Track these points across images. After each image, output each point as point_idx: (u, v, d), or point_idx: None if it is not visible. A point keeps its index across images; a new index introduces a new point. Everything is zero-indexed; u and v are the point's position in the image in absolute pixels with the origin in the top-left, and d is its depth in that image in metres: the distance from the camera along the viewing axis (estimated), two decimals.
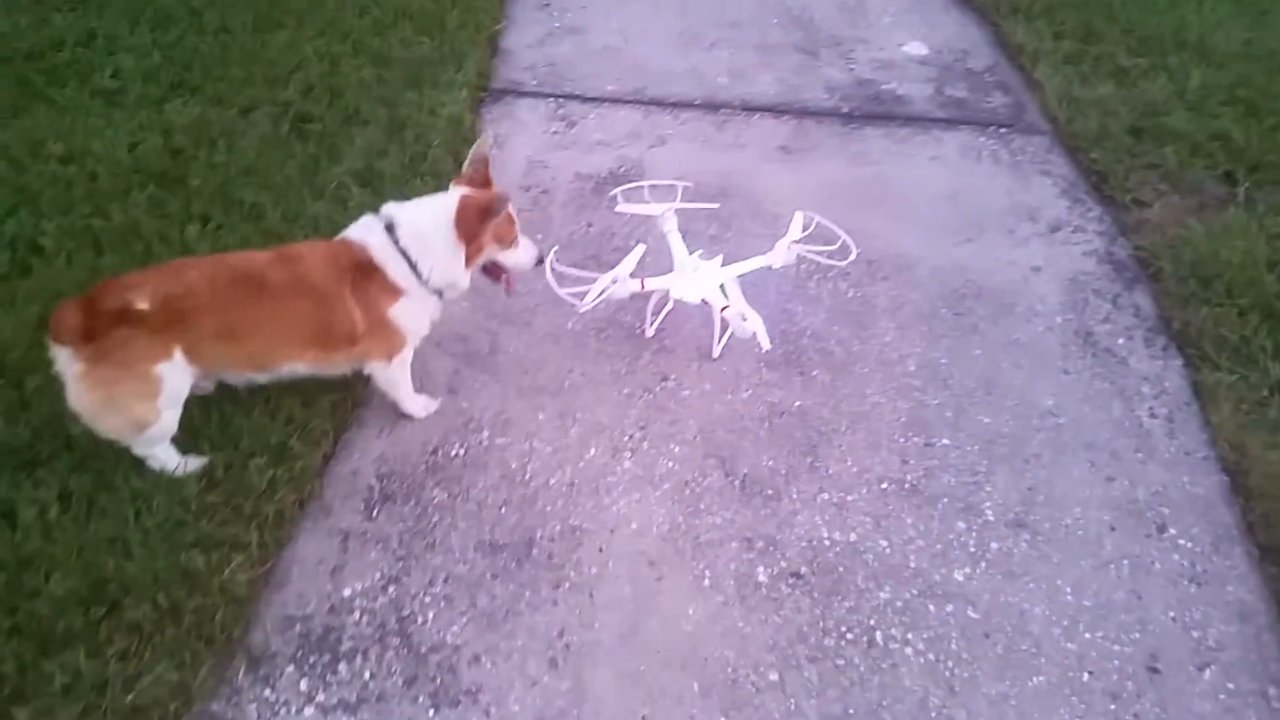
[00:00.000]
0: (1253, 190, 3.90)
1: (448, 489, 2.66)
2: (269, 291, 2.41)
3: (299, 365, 2.59)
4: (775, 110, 4.40)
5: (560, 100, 4.39)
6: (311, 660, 2.25)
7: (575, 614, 2.38)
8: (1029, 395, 3.05)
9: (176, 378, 2.36)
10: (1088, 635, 2.42)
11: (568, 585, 2.44)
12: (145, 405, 2.35)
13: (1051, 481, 2.79)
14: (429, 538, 2.54)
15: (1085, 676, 2.32)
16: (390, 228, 2.53)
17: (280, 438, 2.68)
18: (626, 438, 2.84)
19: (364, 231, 2.55)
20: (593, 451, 2.79)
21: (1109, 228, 3.78)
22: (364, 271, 2.50)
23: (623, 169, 3.95)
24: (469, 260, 2.60)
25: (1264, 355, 3.13)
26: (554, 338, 3.16)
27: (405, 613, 2.36)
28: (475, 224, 2.55)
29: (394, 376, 2.74)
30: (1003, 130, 4.32)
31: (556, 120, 4.25)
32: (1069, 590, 2.52)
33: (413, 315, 2.63)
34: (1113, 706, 2.26)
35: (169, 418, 2.43)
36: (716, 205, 3.66)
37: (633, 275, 2.96)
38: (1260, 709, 2.29)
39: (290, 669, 2.24)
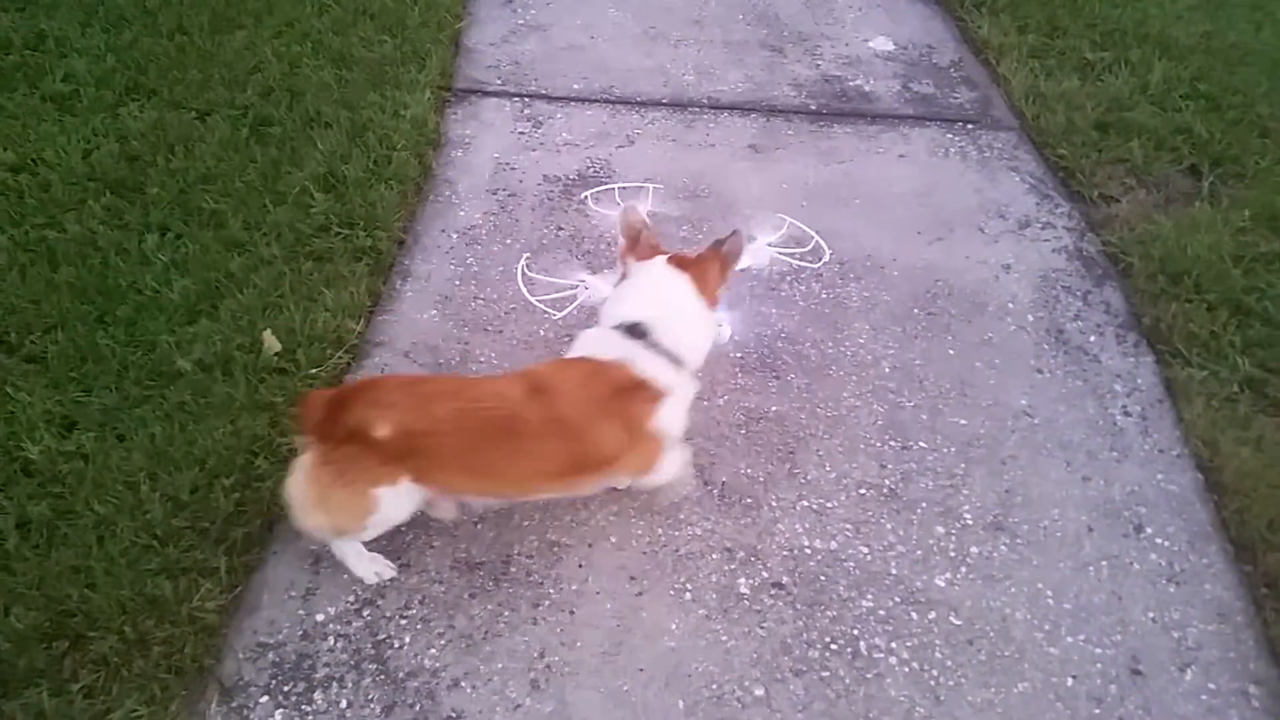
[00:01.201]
0: (1217, 184, 3.93)
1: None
2: (522, 435, 2.19)
3: (542, 496, 2.51)
4: (743, 108, 4.36)
5: (526, 100, 4.33)
6: (286, 689, 2.20)
7: (556, 633, 2.34)
8: (1003, 395, 3.05)
9: (398, 502, 2.21)
10: (1070, 639, 2.42)
11: (548, 603, 2.40)
12: (354, 519, 2.21)
13: (1028, 483, 2.79)
14: (403, 558, 2.48)
15: (1069, 681, 2.33)
16: (635, 331, 2.30)
17: (246, 457, 2.61)
18: None
19: (613, 348, 2.29)
20: None
21: (1078, 223, 3.79)
22: (625, 392, 2.26)
23: (591, 170, 3.90)
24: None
25: (1233, 350, 3.15)
26: (527, 345, 3.11)
27: (381, 637, 2.31)
28: (719, 283, 2.42)
29: (657, 479, 2.53)
30: (970, 126, 4.32)
31: (523, 120, 4.19)
32: (1050, 593, 2.52)
33: (677, 412, 2.39)
34: (1097, 711, 2.27)
35: (372, 533, 2.29)
36: (687, 209, 3.63)
37: (605, 281, 2.92)
38: (1242, 708, 2.30)
39: (264, 699, 2.18)
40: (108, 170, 3.55)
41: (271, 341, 2.92)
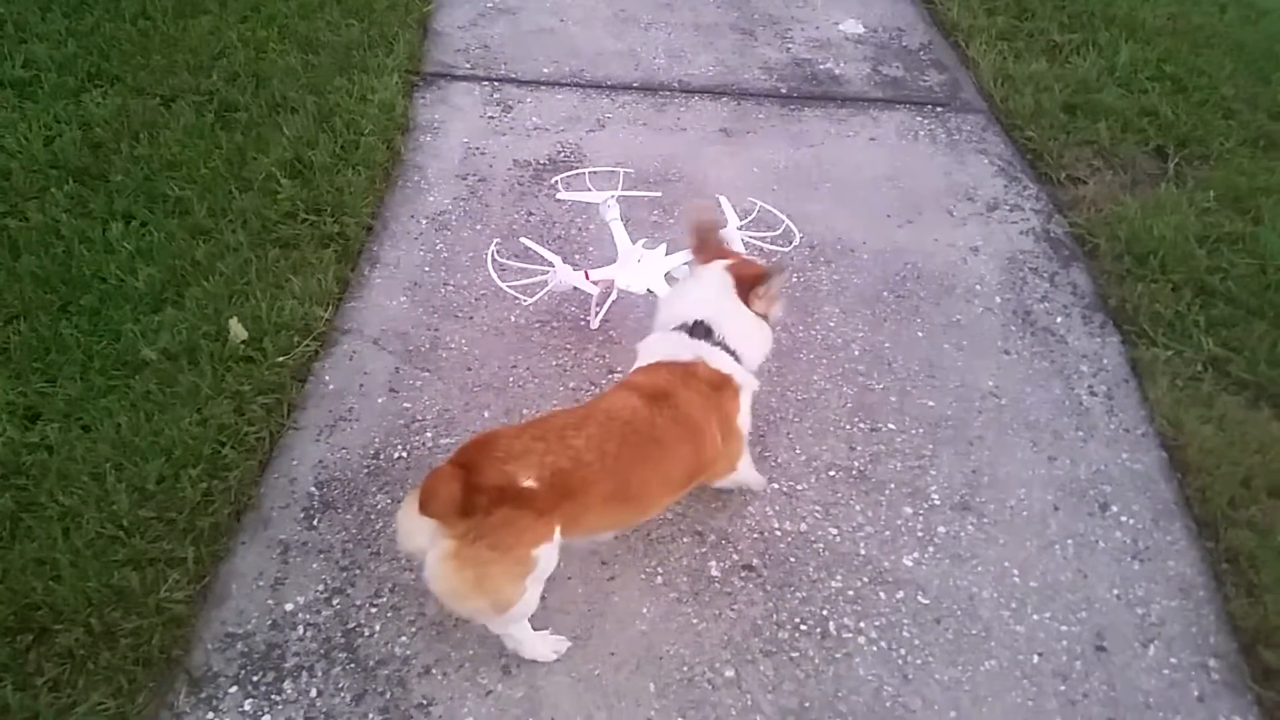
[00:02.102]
0: (1182, 165, 3.97)
1: (391, 493, 2.60)
2: (658, 443, 2.15)
3: (661, 509, 2.43)
4: (714, 91, 4.35)
5: (495, 84, 4.30)
6: (255, 679, 2.19)
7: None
8: (970, 377, 3.08)
9: (551, 556, 2.06)
10: (1036, 617, 2.45)
11: None
12: (513, 587, 2.02)
13: (995, 463, 2.82)
14: (373, 546, 2.47)
15: (1035, 658, 2.35)
16: (698, 330, 2.30)
17: (213, 447, 2.59)
18: None
19: (684, 348, 2.28)
20: None
21: (1045, 206, 3.81)
22: (717, 389, 2.28)
23: (562, 155, 3.89)
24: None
25: (1197, 330, 3.19)
26: (497, 332, 3.10)
27: (351, 625, 2.30)
28: (768, 297, 2.37)
29: (740, 475, 2.53)
30: (939, 109, 4.33)
31: (492, 105, 4.16)
32: (1016, 572, 2.54)
33: (748, 407, 2.39)
34: (1062, 687, 2.30)
35: (532, 596, 2.10)
36: (658, 194, 3.63)
37: (575, 267, 2.92)
38: (1202, 681, 2.34)
39: (234, 690, 2.17)
40: (70, 157, 3.50)
41: (238, 330, 2.90)
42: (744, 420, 2.37)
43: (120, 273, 3.08)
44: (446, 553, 1.93)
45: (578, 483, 2.00)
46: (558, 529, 2.02)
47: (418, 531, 1.97)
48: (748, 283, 2.33)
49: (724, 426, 2.30)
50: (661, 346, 2.33)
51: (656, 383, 2.23)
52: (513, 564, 1.98)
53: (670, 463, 2.21)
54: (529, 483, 1.93)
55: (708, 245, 2.45)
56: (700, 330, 2.30)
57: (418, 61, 4.39)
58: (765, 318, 2.39)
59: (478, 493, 1.91)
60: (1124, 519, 2.70)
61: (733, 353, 2.30)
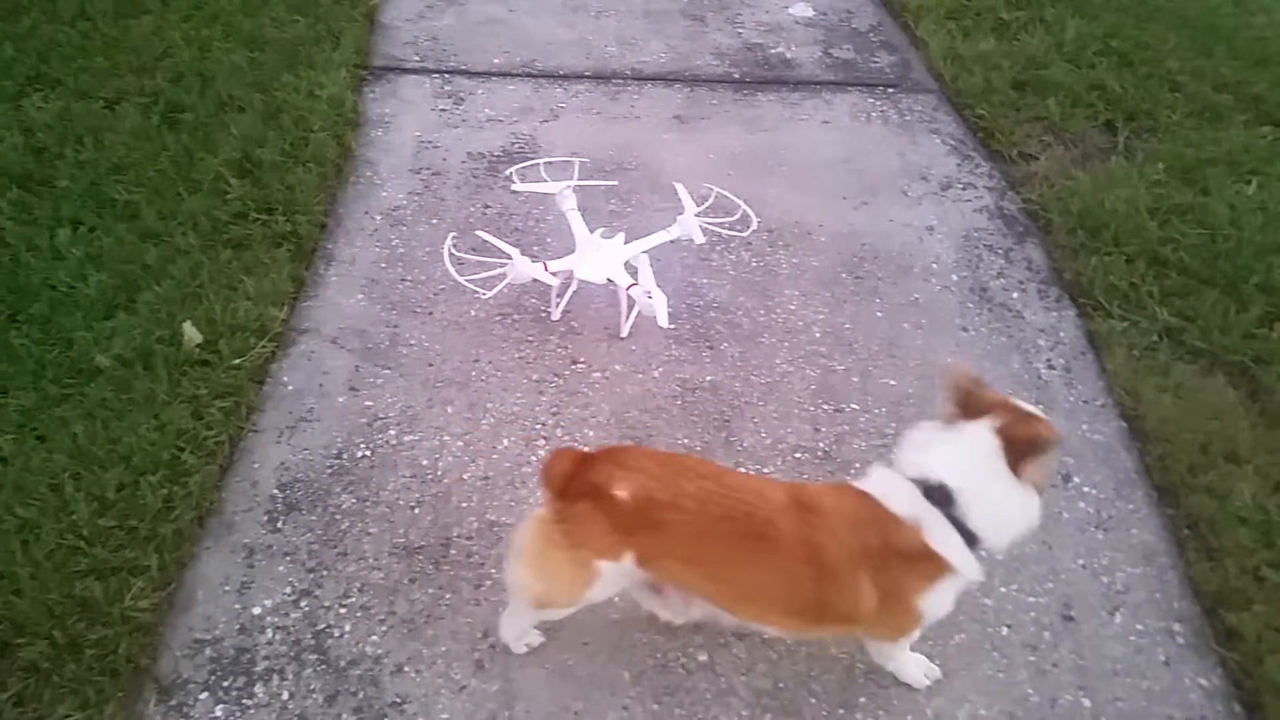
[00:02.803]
0: (1131, 139, 4.02)
1: (356, 493, 2.57)
2: (767, 545, 1.91)
3: (767, 627, 2.15)
4: (666, 79, 4.35)
5: (446, 76, 4.26)
6: (225, 684, 2.16)
7: (499, 613, 2.31)
8: (930, 355, 3.10)
9: (614, 580, 1.99)
10: (1003, 589, 2.48)
11: (490, 583, 2.39)
12: (563, 591, 2.00)
13: None
14: (340, 546, 2.45)
15: (1004, 630, 2.38)
16: (936, 494, 1.90)
17: (172, 453, 2.55)
18: (539, 425, 2.79)
19: (906, 503, 1.91)
20: (506, 442, 2.73)
21: (998, 183, 3.85)
22: (903, 557, 1.91)
23: (516, 146, 3.86)
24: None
25: (1152, 301, 3.24)
26: (458, 326, 3.08)
27: (320, 627, 2.28)
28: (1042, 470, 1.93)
29: (890, 651, 2.21)
30: (890, 90, 4.36)
31: (444, 97, 4.12)
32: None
33: (949, 596, 2.02)
34: (1032, 658, 2.33)
35: (572, 610, 2.08)
36: (615, 183, 3.62)
37: (534, 259, 2.90)
38: (1168, 645, 2.38)
39: (204, 695, 2.14)
40: (13, 164, 3.42)
41: (192, 333, 2.85)
42: (936, 607, 2.00)
43: (70, 280, 3.01)
44: (534, 518, 1.98)
45: (663, 521, 1.89)
46: (630, 555, 1.93)
47: None
48: (1021, 448, 1.87)
49: (889, 597, 1.95)
50: (885, 486, 1.96)
51: (820, 499, 1.97)
52: (573, 563, 1.94)
53: (774, 573, 1.95)
54: (620, 493, 1.87)
55: (970, 404, 1.96)
56: (939, 495, 1.90)
57: (366, 55, 4.33)
58: (1037, 488, 1.93)
59: (578, 479, 1.91)
60: (1086, 489, 2.74)
61: (969, 532, 1.90)
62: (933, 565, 1.92)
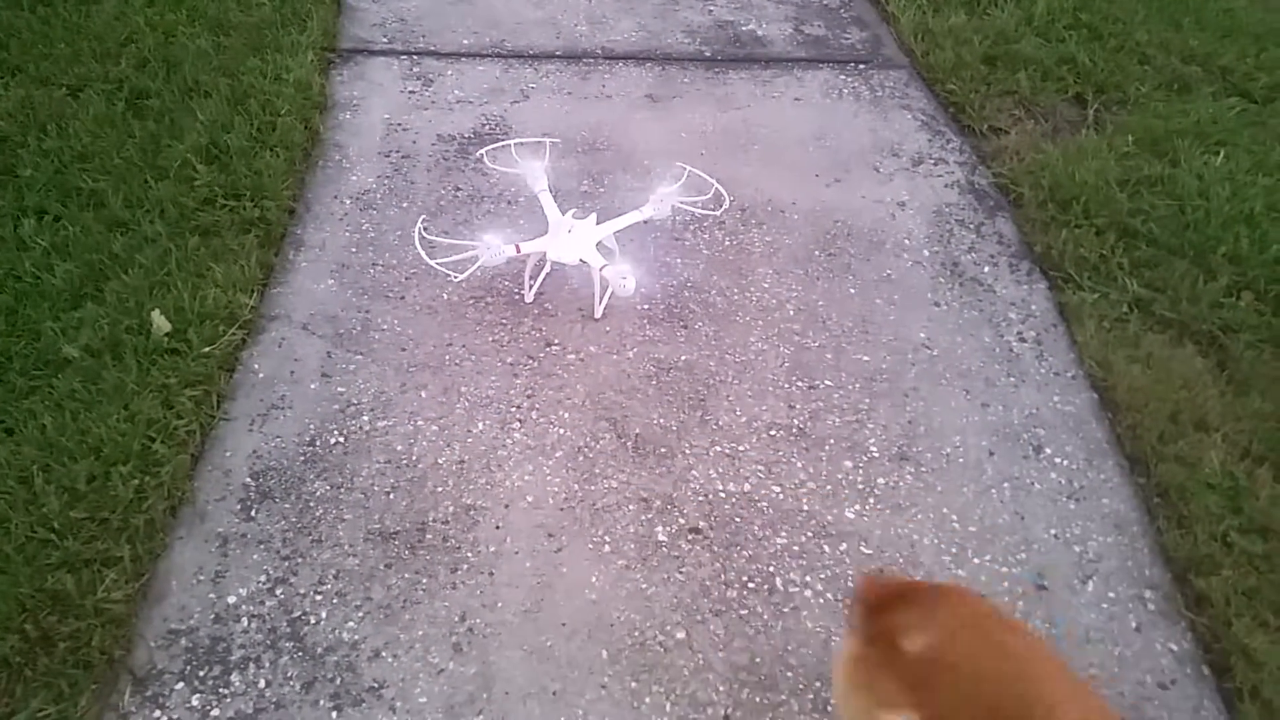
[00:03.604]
0: (1101, 112, 4.04)
1: (330, 480, 2.56)
2: None
3: None
4: (638, 57, 4.32)
5: (414, 57, 4.22)
6: (201, 674, 2.15)
7: (476, 595, 2.33)
8: (903, 330, 3.11)
9: None
10: (976, 560, 2.50)
11: (466, 567, 2.39)
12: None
13: (930, 413, 2.86)
14: (314, 533, 2.44)
15: None
16: None
17: (143, 443, 2.53)
18: (514, 408, 2.78)
19: None
20: (481, 426, 2.73)
21: (969, 158, 3.86)
22: None
23: (486, 127, 3.83)
24: None
25: (1121, 272, 3.26)
26: (430, 310, 3.06)
27: (296, 614, 2.27)
28: None
29: None
30: (861, 66, 4.35)
31: (412, 79, 4.09)
32: (955, 518, 2.59)
33: None
34: None
35: None
36: (588, 162, 3.60)
37: (506, 240, 2.89)
38: (1139, 612, 2.41)
39: (180, 686, 2.13)
40: None
41: (161, 322, 2.82)
42: None
43: (36, 270, 2.97)
44: (843, 650, 1.81)
45: (945, 683, 1.66)
46: (912, 716, 1.68)
47: None
48: None
49: None
50: None
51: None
52: (862, 712, 1.75)
53: None
54: (909, 646, 1.69)
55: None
56: None
57: (333, 38, 4.28)
58: None
59: (875, 618, 1.74)
60: (1058, 460, 2.76)
61: None
62: None
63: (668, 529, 2.52)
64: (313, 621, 2.26)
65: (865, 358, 3.01)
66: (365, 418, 2.73)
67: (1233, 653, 2.30)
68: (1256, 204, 3.46)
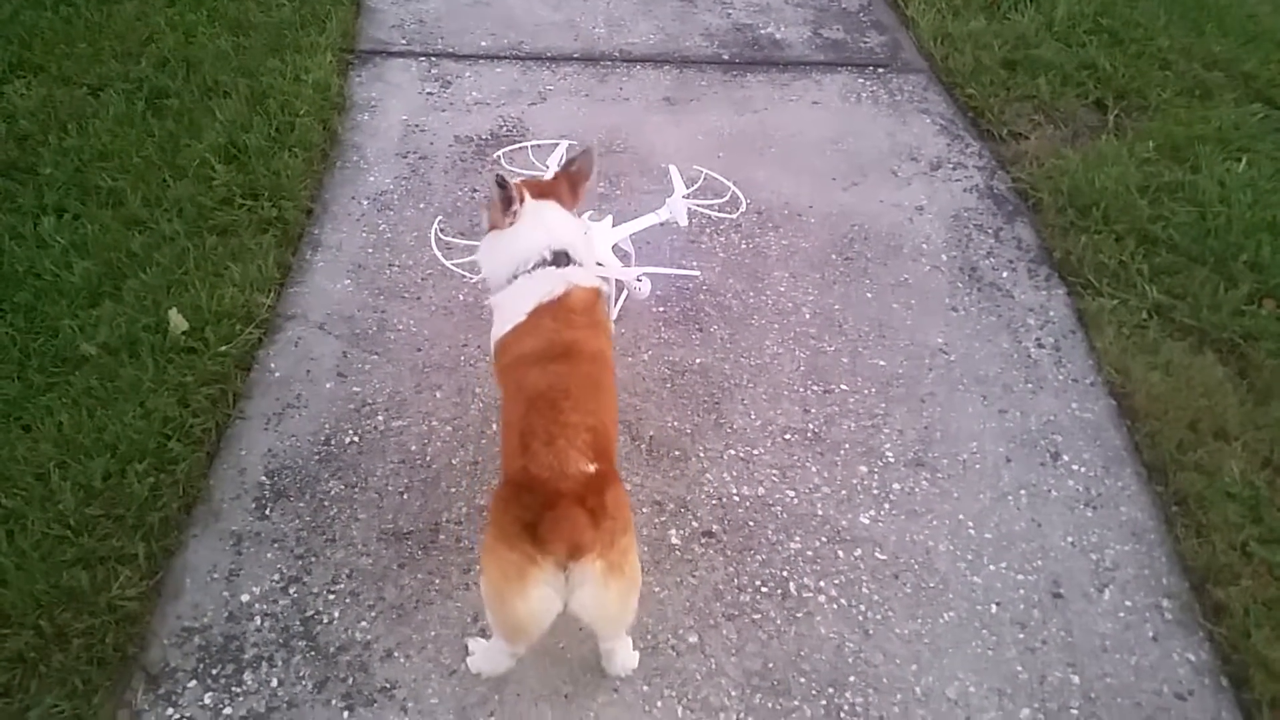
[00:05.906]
0: (1122, 117, 4.01)
1: (344, 479, 2.56)
2: None
3: None
4: (656, 60, 4.32)
5: (433, 59, 4.23)
6: (214, 672, 2.16)
7: None
8: (920, 335, 3.10)
9: None
10: (992, 567, 2.48)
11: (479, 568, 2.38)
12: None
13: (947, 419, 2.85)
14: (328, 533, 2.44)
15: (993, 608, 2.39)
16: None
17: (159, 440, 2.54)
18: None
19: None
20: (495, 427, 2.72)
21: (988, 162, 3.84)
22: None
23: (504, 129, 3.84)
24: None
25: (1141, 279, 3.23)
26: (446, 311, 3.06)
27: (309, 613, 2.27)
28: None
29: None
30: (880, 70, 4.33)
31: (430, 80, 4.10)
32: (971, 524, 2.57)
33: None
34: (1021, 635, 2.33)
35: None
36: (604, 165, 3.59)
37: None
38: (1156, 621, 2.39)
39: (192, 684, 2.14)
40: None
41: (178, 320, 2.84)
42: None
43: (55, 268, 3.00)
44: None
45: None
46: None
47: None
48: None
49: None
50: None
51: None
52: None
53: None
54: None
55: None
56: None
57: (352, 39, 4.30)
58: None
59: None
60: (1075, 467, 2.74)
61: None
62: None
63: (681, 532, 2.51)
64: (326, 621, 2.26)
65: (881, 362, 3.00)
66: (380, 417, 2.73)
67: (1251, 664, 2.27)
68: (1279, 211, 3.43)
